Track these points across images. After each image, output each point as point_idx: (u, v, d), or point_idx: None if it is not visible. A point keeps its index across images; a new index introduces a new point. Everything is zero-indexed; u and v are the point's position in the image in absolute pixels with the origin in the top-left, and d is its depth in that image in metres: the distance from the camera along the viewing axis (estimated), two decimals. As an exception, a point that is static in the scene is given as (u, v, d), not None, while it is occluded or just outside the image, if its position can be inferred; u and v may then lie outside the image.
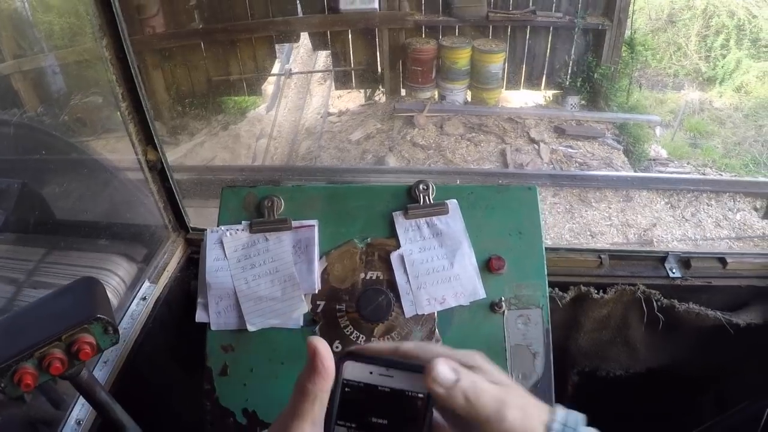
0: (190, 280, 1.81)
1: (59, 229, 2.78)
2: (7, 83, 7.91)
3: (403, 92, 6.57)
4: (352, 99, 6.84)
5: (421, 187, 1.36)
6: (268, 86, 7.13)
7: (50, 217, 2.80)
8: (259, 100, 7.32)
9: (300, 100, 6.85)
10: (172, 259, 1.80)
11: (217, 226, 1.40)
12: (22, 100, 8.10)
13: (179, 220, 1.85)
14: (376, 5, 6.28)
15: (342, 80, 6.74)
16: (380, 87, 6.62)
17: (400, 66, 6.49)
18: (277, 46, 7.01)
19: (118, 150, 5.95)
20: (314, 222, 1.35)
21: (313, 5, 6.54)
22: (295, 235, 1.35)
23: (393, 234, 1.34)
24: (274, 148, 6.43)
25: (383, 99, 6.57)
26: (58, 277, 2.41)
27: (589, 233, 4.64)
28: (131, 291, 2.35)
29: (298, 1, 6.60)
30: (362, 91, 6.78)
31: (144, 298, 1.66)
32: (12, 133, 3.21)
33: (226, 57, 7.08)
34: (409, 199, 1.36)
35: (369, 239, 1.35)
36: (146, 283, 1.70)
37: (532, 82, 6.62)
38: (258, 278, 1.34)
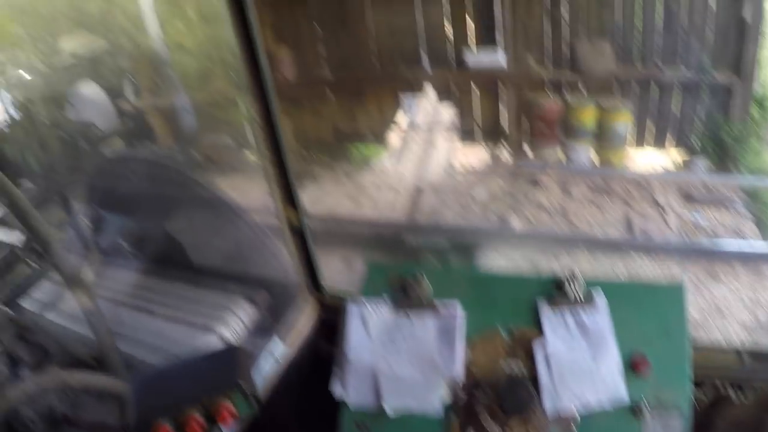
0: (320, 342, 1.90)
1: (191, 267, 3.17)
2: (142, 119, 8.92)
3: (527, 149, 6.91)
4: (476, 154, 7.23)
5: (568, 278, 1.40)
6: (393, 137, 7.54)
7: (184, 257, 3.21)
8: (383, 151, 7.79)
9: (424, 153, 7.23)
10: (304, 319, 1.90)
11: (360, 299, 1.45)
12: (156, 135, 9.11)
13: (314, 281, 1.94)
14: (503, 61, 6.67)
15: (466, 135, 7.22)
16: (504, 143, 6.98)
17: (524, 123, 6.85)
18: (402, 98, 7.49)
19: (245, 190, 6.59)
20: (459, 306, 1.40)
21: (440, 59, 7.06)
22: (438, 318, 1.39)
23: (537, 324, 1.36)
24: (397, 200, 6.81)
25: (507, 156, 6.95)
26: (188, 312, 2.82)
27: (715, 310, 4.64)
28: (258, 342, 2.71)
29: (425, 55, 7.12)
30: (486, 146, 7.14)
31: (275, 359, 1.75)
32: (148, 172, 3.74)
33: (353, 106, 7.77)
34: (555, 290, 1.39)
35: (513, 328, 1.38)
36: (277, 342, 1.79)
37: (659, 142, 6.76)
38: (399, 358, 1.36)
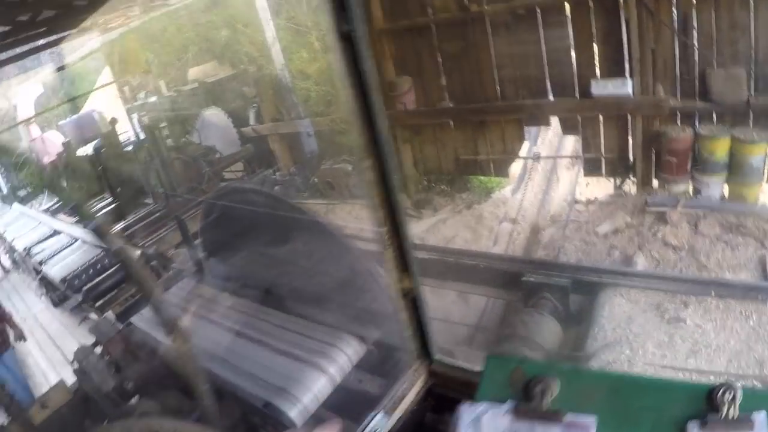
0: (425, 412, 1.92)
1: (303, 302, 3.49)
2: (265, 144, 9.87)
3: (655, 183, 7.15)
4: (600, 187, 7.60)
5: (724, 393, 1.26)
6: (515, 168, 7.98)
7: (295, 292, 3.56)
8: (504, 182, 8.37)
9: (546, 185, 7.60)
10: (411, 390, 1.91)
11: (476, 400, 1.36)
12: (277, 160, 10.05)
13: (424, 349, 1.96)
14: (630, 90, 6.92)
15: (591, 167, 7.58)
16: (631, 176, 7.35)
17: (652, 155, 7.11)
18: (525, 129, 7.98)
19: (362, 218, 7.26)
20: (592, 419, 1.26)
21: (564, 89, 7.51)
22: None
23: None
24: (517, 233, 7.22)
25: (633, 189, 7.30)
26: (295, 346, 3.08)
27: None
28: (363, 379, 2.99)
29: (549, 85, 7.61)
30: (611, 179, 7.56)
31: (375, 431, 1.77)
32: (259, 202, 4.09)
33: (475, 136, 8.37)
34: (707, 405, 1.25)
35: None
36: (380, 415, 1.81)
37: (799, 177, 6.87)
38: None
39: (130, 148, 9.46)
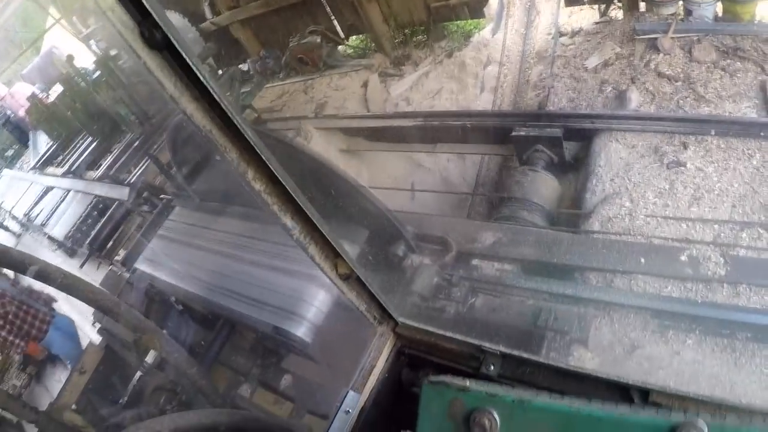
0: (401, 369, 1.93)
1: None
2: (227, 35, 9.43)
3: (642, 6, 6.55)
4: (584, 16, 7.20)
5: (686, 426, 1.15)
6: (492, 6, 7.52)
7: None
8: (482, 23, 7.98)
9: (527, 20, 7.14)
10: (380, 356, 1.91)
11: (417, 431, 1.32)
12: (244, 48, 9.71)
13: (386, 315, 1.95)
14: None
15: None
16: (616, 1, 6.76)
17: (639, -26, 6.53)
18: None
19: (343, 86, 7.11)
20: None
21: None
22: None
23: None
24: (504, 75, 6.92)
25: (620, 15, 6.76)
26: (284, 259, 3.16)
27: None
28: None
29: None
30: (595, 6, 7.04)
31: (347, 411, 1.74)
32: None
33: None
34: None
35: None
36: (350, 394, 1.79)
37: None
38: None
39: (94, 78, 9.05)
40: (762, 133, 4.63)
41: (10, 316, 6.18)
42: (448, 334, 1.83)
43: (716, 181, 4.48)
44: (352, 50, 9.40)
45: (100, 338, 4.03)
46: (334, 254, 1.73)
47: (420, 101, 7.68)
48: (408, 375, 1.90)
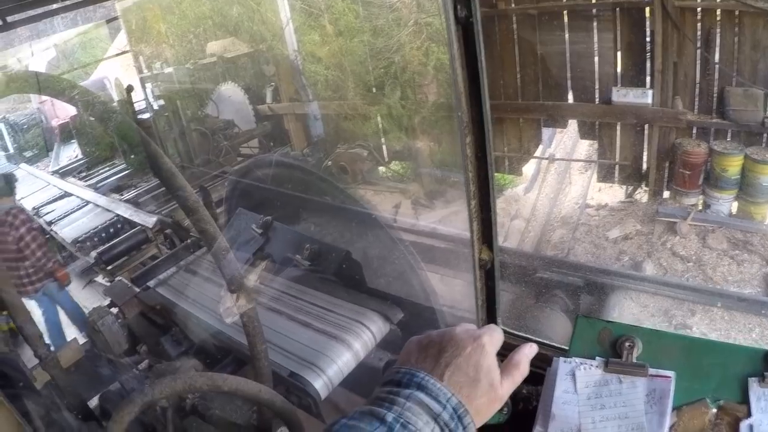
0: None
1: (332, 275, 3.42)
2: (280, 123, 10.20)
3: (666, 194, 7.46)
4: (612, 194, 7.95)
5: None
6: (529, 168, 8.37)
7: (326, 265, 3.47)
8: (517, 180, 8.72)
9: (558, 187, 8.02)
10: None
11: (568, 355, 1.52)
12: (291, 139, 10.38)
13: (491, 318, 2.06)
14: (650, 100, 7.25)
15: (604, 173, 7.91)
16: (643, 185, 7.65)
17: (666, 166, 7.42)
18: (543, 130, 8.32)
19: (375, 202, 7.70)
20: (671, 373, 1.43)
21: (584, 93, 7.77)
22: (650, 383, 1.42)
23: (745, 400, 1.37)
24: (528, 231, 7.62)
25: (645, 198, 7.60)
26: (321, 320, 3.06)
27: None
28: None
29: (569, 89, 7.88)
30: (624, 187, 7.85)
31: None
32: (294, 177, 4.21)
33: (492, 133, 8.39)
34: (764, 365, 1.39)
35: (721, 401, 1.40)
36: None
37: (808, 200, 7.11)
38: (605, 420, 1.42)
39: (146, 116, 9.70)
40: (763, 311, 5.28)
41: (42, 239, 6.63)
42: (545, 341, 1.87)
43: (718, 347, 5.07)
44: (391, 173, 10.21)
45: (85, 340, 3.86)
46: (485, 239, 1.86)
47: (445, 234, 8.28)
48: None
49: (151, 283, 3.97)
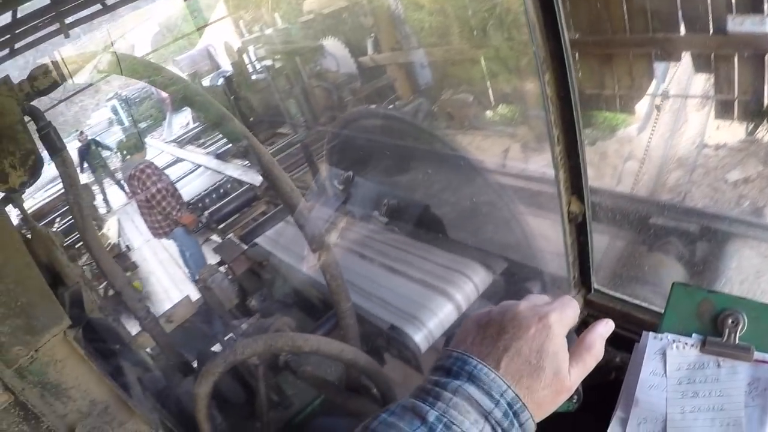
0: None
1: (430, 227, 3.52)
2: (383, 74, 10.42)
3: None
4: (732, 132, 7.54)
5: None
6: (641, 106, 8.16)
7: (426, 217, 3.55)
8: (630, 119, 8.47)
9: (674, 125, 7.80)
10: None
11: (660, 329, 1.35)
12: (396, 89, 10.61)
13: (583, 277, 1.95)
14: None
15: (722, 109, 7.51)
16: (765, 122, 7.20)
17: (791, 101, 6.91)
18: (655, 65, 7.98)
19: (484, 148, 7.89)
20: None
21: (697, 23, 7.35)
22: (754, 370, 1.24)
23: None
24: (642, 173, 7.49)
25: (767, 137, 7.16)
26: (423, 272, 3.11)
27: None
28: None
29: (681, 19, 7.47)
30: (744, 124, 7.42)
31: None
32: (394, 128, 4.33)
33: (601, 70, 8.24)
34: None
35: None
36: None
37: None
38: (697, 411, 1.26)
39: (261, 76, 9.98)
40: None
41: (171, 188, 7.29)
42: (644, 304, 1.84)
43: None
44: (498, 117, 10.15)
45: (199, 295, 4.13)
46: (575, 189, 1.77)
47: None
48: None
49: (258, 240, 4.28)
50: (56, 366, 1.56)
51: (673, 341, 1.31)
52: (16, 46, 1.98)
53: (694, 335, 1.31)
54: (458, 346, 0.95)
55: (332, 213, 4.06)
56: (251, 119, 9.57)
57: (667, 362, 1.29)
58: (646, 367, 1.31)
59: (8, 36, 1.90)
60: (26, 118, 1.75)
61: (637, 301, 1.86)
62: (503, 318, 0.95)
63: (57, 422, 1.57)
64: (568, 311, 0.98)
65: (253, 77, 10.25)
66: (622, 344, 1.52)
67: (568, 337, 0.97)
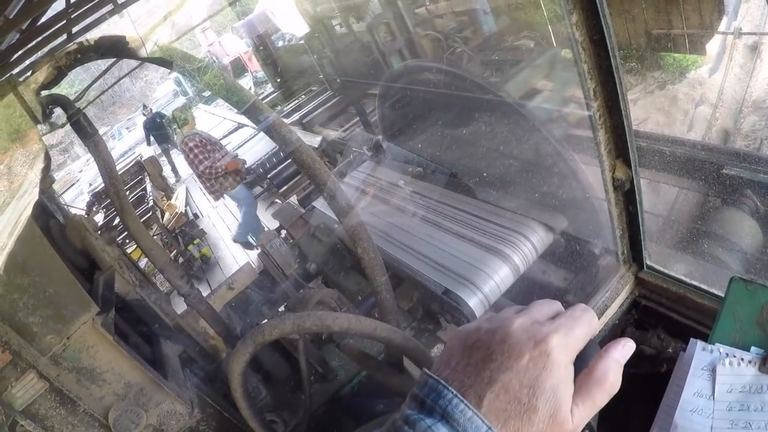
0: (626, 326, 1.79)
1: (486, 184, 3.40)
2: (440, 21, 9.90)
3: None
4: None
5: None
6: (713, 45, 7.82)
7: (480, 174, 3.46)
8: (701, 60, 8.11)
9: (748, 66, 7.47)
10: (615, 300, 1.74)
11: (712, 339, 1.14)
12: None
13: (633, 253, 1.79)
14: None
15: None
16: None
17: None
18: (725, 1, 7.57)
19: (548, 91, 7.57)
20: None
21: None
22: None
23: None
24: (715, 119, 7.23)
25: None
26: (477, 231, 2.98)
27: None
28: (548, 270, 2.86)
29: None
30: None
31: None
32: (443, 81, 4.03)
33: (668, 8, 7.80)
34: None
35: None
36: None
37: None
38: None
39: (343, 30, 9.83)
40: None
41: (214, 147, 7.61)
42: (703, 286, 1.61)
43: None
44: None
45: (259, 262, 4.15)
46: (619, 152, 1.54)
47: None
48: (632, 333, 1.71)
49: (315, 203, 4.15)
50: (89, 351, 1.69)
51: (726, 355, 1.08)
52: (74, 30, 2.05)
53: (753, 349, 1.08)
54: (441, 368, 0.76)
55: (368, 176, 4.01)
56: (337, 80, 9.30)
57: (716, 381, 1.07)
58: (690, 386, 1.09)
59: (64, 21, 1.96)
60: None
61: (695, 282, 1.62)
62: (492, 340, 0.75)
63: (94, 405, 1.70)
64: (576, 331, 0.75)
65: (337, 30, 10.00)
66: (677, 332, 1.40)
67: (584, 353, 0.76)
